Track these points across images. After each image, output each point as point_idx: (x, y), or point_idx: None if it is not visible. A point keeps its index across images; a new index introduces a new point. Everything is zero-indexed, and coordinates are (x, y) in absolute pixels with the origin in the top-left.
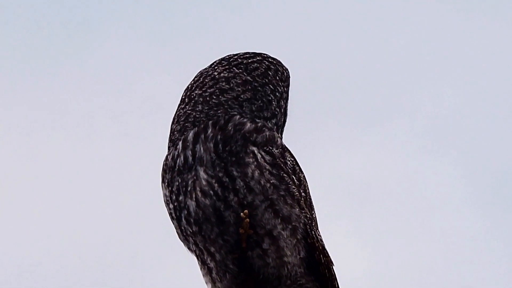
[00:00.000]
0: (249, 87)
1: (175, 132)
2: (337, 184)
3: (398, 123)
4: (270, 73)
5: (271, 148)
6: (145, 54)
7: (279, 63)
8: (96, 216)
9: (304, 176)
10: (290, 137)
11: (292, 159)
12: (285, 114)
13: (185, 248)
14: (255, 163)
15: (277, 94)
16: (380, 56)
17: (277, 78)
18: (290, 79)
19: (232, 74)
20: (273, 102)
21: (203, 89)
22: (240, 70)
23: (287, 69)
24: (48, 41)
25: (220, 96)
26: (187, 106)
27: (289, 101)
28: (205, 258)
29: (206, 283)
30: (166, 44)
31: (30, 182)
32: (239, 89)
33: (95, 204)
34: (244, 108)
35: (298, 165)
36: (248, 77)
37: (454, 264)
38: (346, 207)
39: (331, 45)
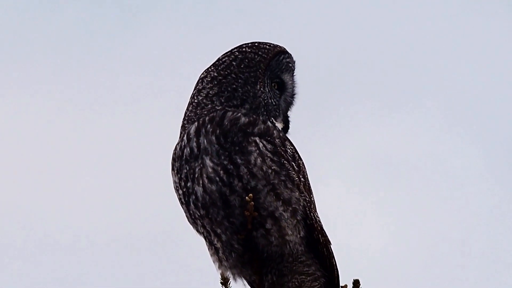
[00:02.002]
0: (215, 82)
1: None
2: (366, 158)
3: (423, 103)
4: (234, 63)
5: (271, 138)
6: (191, 39)
7: (253, 49)
8: (148, 187)
9: (303, 162)
10: (324, 115)
11: (292, 147)
12: (261, 96)
13: (194, 231)
14: (257, 151)
15: (239, 81)
16: (410, 41)
17: (242, 66)
18: (289, 61)
19: (206, 74)
20: (239, 89)
21: (193, 92)
22: (212, 68)
23: (263, 53)
24: (101, 23)
25: (198, 96)
26: (188, 107)
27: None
28: (212, 239)
29: (214, 262)
30: (211, 29)
31: (79, 155)
32: (208, 86)
33: (141, 177)
34: (214, 103)
35: (297, 153)
36: (215, 73)
37: (473, 234)
38: (374, 180)
39: (366, 30)
